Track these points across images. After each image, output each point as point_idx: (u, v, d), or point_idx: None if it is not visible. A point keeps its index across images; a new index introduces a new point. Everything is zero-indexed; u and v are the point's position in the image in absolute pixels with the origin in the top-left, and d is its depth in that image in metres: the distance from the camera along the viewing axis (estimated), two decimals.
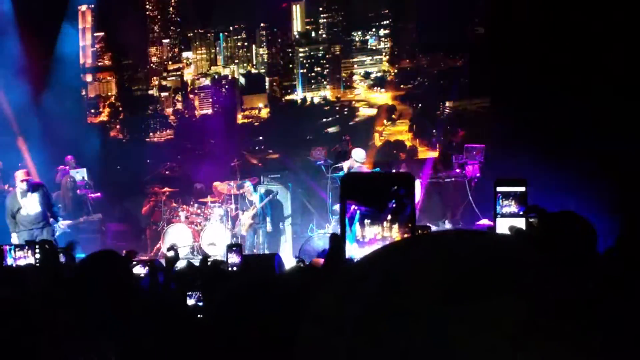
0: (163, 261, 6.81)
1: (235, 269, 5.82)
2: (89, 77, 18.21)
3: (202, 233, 11.96)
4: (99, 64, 18.39)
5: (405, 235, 1.12)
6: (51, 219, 10.57)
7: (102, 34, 18.03)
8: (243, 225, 12.02)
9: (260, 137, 16.54)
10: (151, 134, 18.00)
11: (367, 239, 1.13)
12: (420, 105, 15.81)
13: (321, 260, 6.21)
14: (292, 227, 12.29)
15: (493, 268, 0.69)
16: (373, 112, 16.66)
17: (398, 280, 0.70)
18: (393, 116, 16.20)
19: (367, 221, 1.13)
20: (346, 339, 0.69)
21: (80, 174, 12.51)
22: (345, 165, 11.19)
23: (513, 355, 0.62)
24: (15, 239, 9.89)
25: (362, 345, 0.68)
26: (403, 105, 16.22)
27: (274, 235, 12.23)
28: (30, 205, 10.18)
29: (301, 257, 9.09)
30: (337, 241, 1.13)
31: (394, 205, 1.12)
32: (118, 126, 18.19)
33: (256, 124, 17.49)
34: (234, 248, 6.07)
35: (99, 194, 12.99)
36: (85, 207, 12.18)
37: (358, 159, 11.01)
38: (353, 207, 1.13)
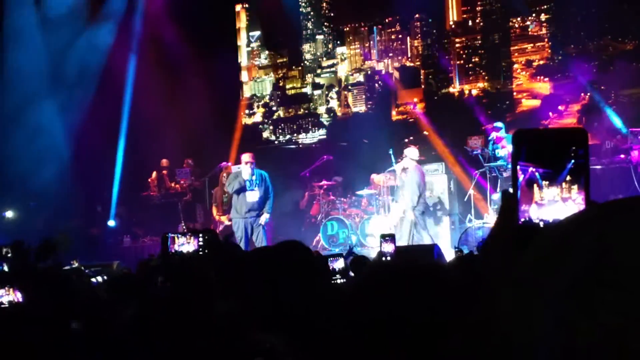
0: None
1: (389, 258, 6.20)
2: (244, 77, 19.59)
3: (360, 224, 13.01)
4: (255, 62, 19.71)
5: (585, 196, 1.11)
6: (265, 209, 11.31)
7: (258, 32, 19.37)
8: (393, 215, 12.91)
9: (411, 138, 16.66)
10: (303, 134, 19.04)
11: (546, 201, 1.13)
12: (589, 94, 15.54)
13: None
14: (450, 217, 12.85)
15: None
16: (537, 103, 16.62)
17: (613, 250, 0.69)
18: (560, 107, 16.04)
19: (545, 182, 1.13)
20: (555, 309, 0.70)
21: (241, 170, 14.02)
22: (399, 166, 11.89)
23: None
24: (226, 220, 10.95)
25: (574, 317, 0.68)
26: (570, 95, 16.02)
27: (431, 227, 12.92)
28: (254, 191, 11.04)
29: (460, 248, 9.70)
30: (510, 199, 1.11)
31: (573, 166, 1.12)
32: (271, 127, 19.42)
33: (411, 120, 17.87)
34: (388, 237, 6.52)
35: None
36: None
37: (413, 157, 11.69)
38: (531, 169, 1.13)
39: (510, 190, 1.12)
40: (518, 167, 1.12)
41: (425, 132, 15.92)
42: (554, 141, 1.13)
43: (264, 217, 11.37)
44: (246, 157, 11.36)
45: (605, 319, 0.66)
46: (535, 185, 1.13)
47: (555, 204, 1.12)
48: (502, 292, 0.83)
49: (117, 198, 14.63)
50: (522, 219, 1.11)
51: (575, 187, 1.11)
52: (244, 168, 11.13)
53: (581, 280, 0.69)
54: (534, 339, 0.73)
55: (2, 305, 4.81)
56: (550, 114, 16.11)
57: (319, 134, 18.89)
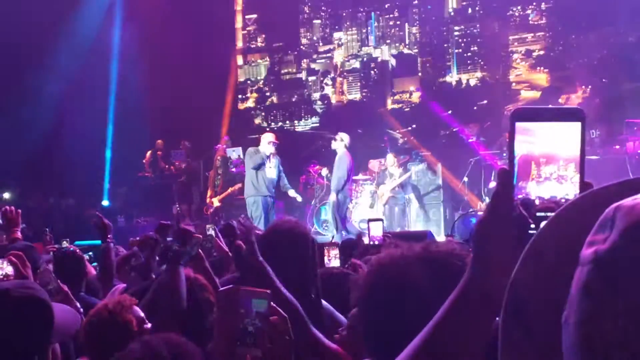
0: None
1: (377, 242, 6.16)
2: (239, 61, 19.84)
3: (354, 210, 13.45)
4: (251, 46, 19.97)
5: (580, 175, 1.14)
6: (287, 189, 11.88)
7: (255, 15, 19.64)
8: (380, 197, 13.27)
9: (411, 127, 16.58)
10: (295, 121, 19.33)
11: (543, 178, 1.16)
12: (590, 87, 15.71)
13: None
14: (443, 204, 13.23)
15: None
16: (536, 95, 16.77)
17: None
18: (560, 100, 16.02)
19: (542, 160, 1.15)
20: (581, 279, 0.73)
21: (236, 152, 14.34)
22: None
23: None
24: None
25: (599, 285, 0.71)
26: (570, 87, 16.20)
27: (424, 213, 13.38)
28: (272, 169, 11.41)
29: (452, 235, 10.10)
30: (507, 177, 1.13)
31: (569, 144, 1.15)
32: (263, 113, 19.71)
33: (407, 109, 18.11)
34: (375, 221, 6.47)
35: None
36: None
37: (345, 141, 12.13)
38: (528, 146, 1.16)
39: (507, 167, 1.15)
40: (515, 144, 1.15)
41: (397, 131, 16.10)
42: (549, 119, 1.17)
43: (293, 192, 12.16)
44: (270, 136, 11.65)
45: (628, 294, 0.69)
46: (532, 163, 1.16)
47: (551, 181, 1.16)
48: (523, 262, 0.87)
49: (110, 178, 15.09)
50: (520, 195, 1.15)
51: (572, 165, 1.15)
52: (267, 147, 11.39)
53: (609, 254, 0.72)
54: (556, 307, 0.77)
55: None
56: (551, 106, 16.15)
57: (311, 122, 19.12)
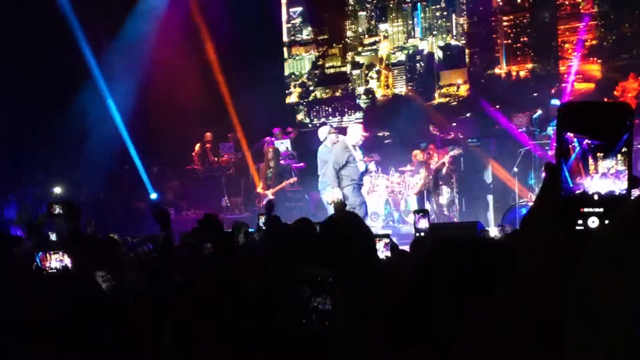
0: None
1: (422, 234, 6.50)
2: (284, 54, 20.22)
3: (402, 201, 13.90)
4: (297, 39, 20.34)
5: (627, 170, 1.15)
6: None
7: (300, 8, 20.04)
8: (413, 187, 13.74)
9: (454, 124, 16.90)
10: (338, 117, 19.47)
11: (600, 174, 1.17)
12: None
13: None
14: (493, 195, 13.67)
15: None
16: (590, 86, 16.75)
17: None
18: (615, 92, 15.84)
19: (599, 155, 1.16)
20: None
21: (284, 145, 14.94)
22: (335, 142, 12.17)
23: None
24: (336, 193, 11.20)
25: None
26: (625, 79, 15.85)
27: (473, 204, 13.81)
28: (361, 161, 11.56)
29: (504, 225, 10.44)
30: (554, 171, 1.16)
31: (627, 138, 1.16)
32: (306, 109, 19.99)
33: (454, 103, 18.24)
34: (421, 213, 6.85)
35: (302, 164, 15.14)
36: (289, 176, 14.65)
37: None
38: (587, 141, 1.16)
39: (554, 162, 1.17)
40: (574, 138, 1.16)
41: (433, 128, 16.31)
42: (602, 114, 1.17)
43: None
44: (361, 129, 11.74)
45: None
46: (590, 158, 1.16)
47: (607, 177, 1.16)
48: (584, 262, 0.87)
49: (158, 172, 15.68)
50: (578, 191, 1.16)
51: (627, 160, 1.16)
52: (358, 141, 11.53)
53: None
54: (620, 308, 0.78)
55: (52, 270, 5.68)
56: (605, 99, 15.50)
57: (355, 117, 19.19)
